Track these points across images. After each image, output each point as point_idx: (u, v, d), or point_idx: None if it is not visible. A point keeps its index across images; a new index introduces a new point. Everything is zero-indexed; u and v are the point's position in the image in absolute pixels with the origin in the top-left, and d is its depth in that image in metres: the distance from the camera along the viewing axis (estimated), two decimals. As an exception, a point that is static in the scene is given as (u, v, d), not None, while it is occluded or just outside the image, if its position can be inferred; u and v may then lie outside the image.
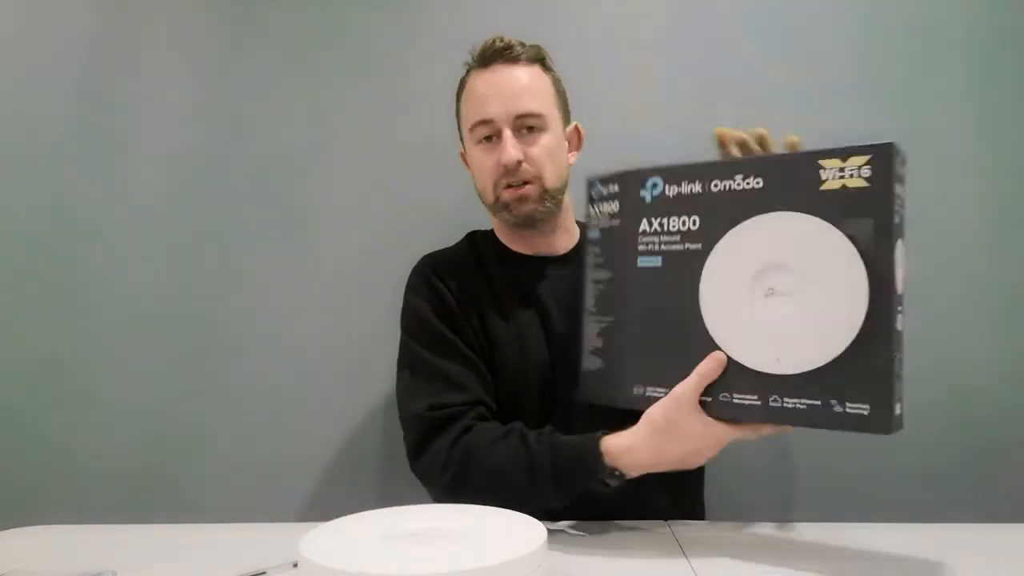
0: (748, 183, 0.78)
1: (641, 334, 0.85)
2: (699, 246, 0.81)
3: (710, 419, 0.78)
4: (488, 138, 1.01)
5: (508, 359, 1.00)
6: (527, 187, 1.00)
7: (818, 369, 0.73)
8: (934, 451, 1.22)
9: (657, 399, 0.81)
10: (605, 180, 0.90)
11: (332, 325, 1.31)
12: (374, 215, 1.32)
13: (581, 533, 0.88)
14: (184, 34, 1.33)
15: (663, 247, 0.84)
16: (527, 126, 0.99)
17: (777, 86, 1.28)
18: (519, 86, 1.00)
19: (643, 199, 0.86)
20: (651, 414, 0.81)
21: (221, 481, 1.29)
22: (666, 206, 0.84)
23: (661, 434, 0.80)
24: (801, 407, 0.73)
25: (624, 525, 0.90)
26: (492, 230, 1.11)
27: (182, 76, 1.33)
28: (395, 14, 1.32)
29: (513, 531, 0.69)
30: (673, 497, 0.98)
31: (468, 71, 1.04)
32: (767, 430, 0.78)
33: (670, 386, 0.80)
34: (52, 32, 1.32)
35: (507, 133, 0.98)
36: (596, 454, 0.82)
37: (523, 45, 1.02)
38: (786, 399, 0.74)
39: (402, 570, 0.61)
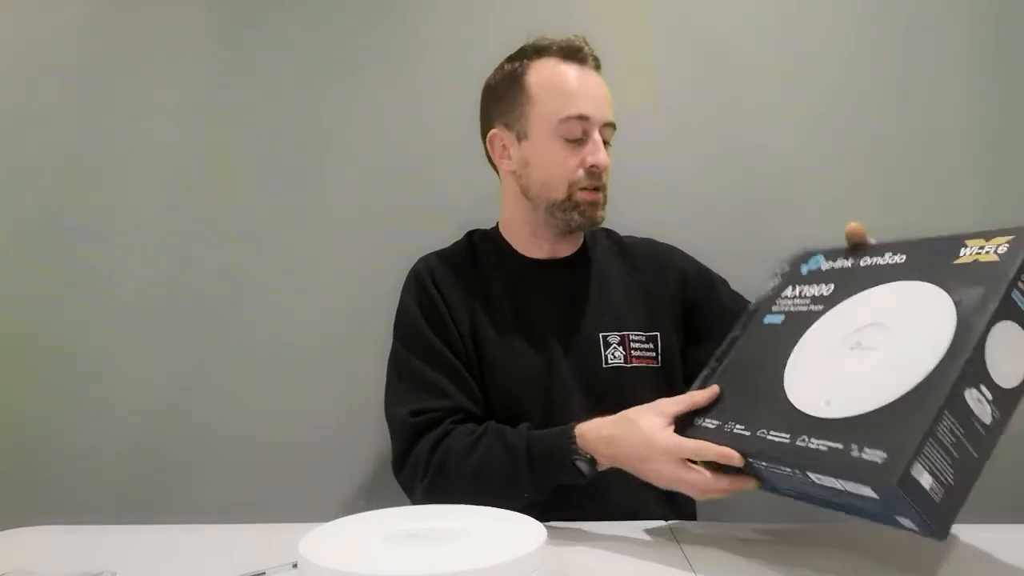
0: (893, 259, 0.82)
1: (733, 377, 0.87)
2: (821, 307, 0.84)
3: (663, 429, 0.79)
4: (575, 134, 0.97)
5: (499, 364, 0.99)
6: (599, 193, 0.99)
7: (856, 416, 0.71)
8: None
9: (741, 435, 0.80)
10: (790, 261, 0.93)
11: (332, 325, 1.31)
12: (374, 215, 1.32)
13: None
14: (184, 34, 1.33)
15: (790, 308, 0.87)
16: (605, 138, 0.98)
17: (778, 90, 1.28)
18: (605, 94, 0.99)
19: (800, 271, 0.90)
20: (626, 411, 0.83)
21: (221, 481, 1.29)
22: (814, 277, 0.88)
23: (620, 425, 0.83)
24: (822, 448, 0.71)
25: (624, 525, 0.90)
26: (494, 228, 1.10)
27: (182, 76, 1.33)
28: (396, 13, 1.32)
29: (513, 531, 0.69)
30: (672, 502, 0.97)
31: (540, 57, 0.99)
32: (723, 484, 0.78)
33: (747, 425, 0.80)
34: (52, 32, 1.32)
35: (598, 136, 0.96)
36: (570, 436, 0.85)
37: (594, 57, 1.00)
38: (812, 439, 0.72)
39: (402, 570, 0.61)
